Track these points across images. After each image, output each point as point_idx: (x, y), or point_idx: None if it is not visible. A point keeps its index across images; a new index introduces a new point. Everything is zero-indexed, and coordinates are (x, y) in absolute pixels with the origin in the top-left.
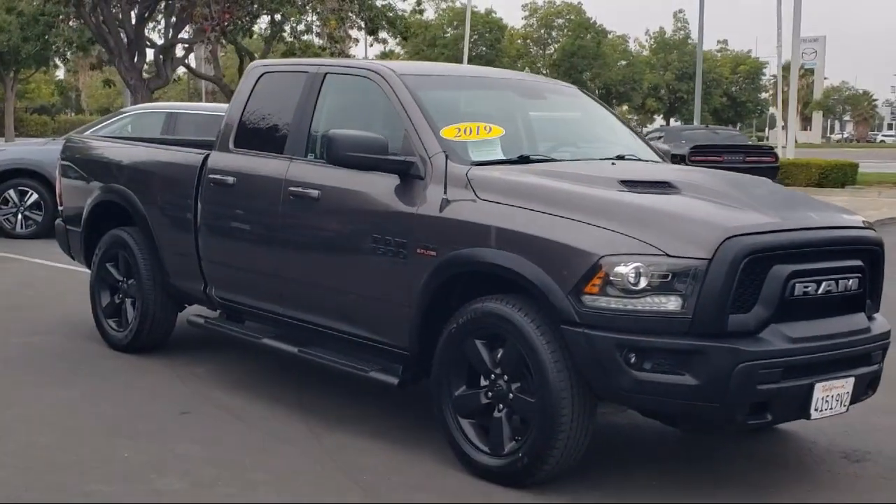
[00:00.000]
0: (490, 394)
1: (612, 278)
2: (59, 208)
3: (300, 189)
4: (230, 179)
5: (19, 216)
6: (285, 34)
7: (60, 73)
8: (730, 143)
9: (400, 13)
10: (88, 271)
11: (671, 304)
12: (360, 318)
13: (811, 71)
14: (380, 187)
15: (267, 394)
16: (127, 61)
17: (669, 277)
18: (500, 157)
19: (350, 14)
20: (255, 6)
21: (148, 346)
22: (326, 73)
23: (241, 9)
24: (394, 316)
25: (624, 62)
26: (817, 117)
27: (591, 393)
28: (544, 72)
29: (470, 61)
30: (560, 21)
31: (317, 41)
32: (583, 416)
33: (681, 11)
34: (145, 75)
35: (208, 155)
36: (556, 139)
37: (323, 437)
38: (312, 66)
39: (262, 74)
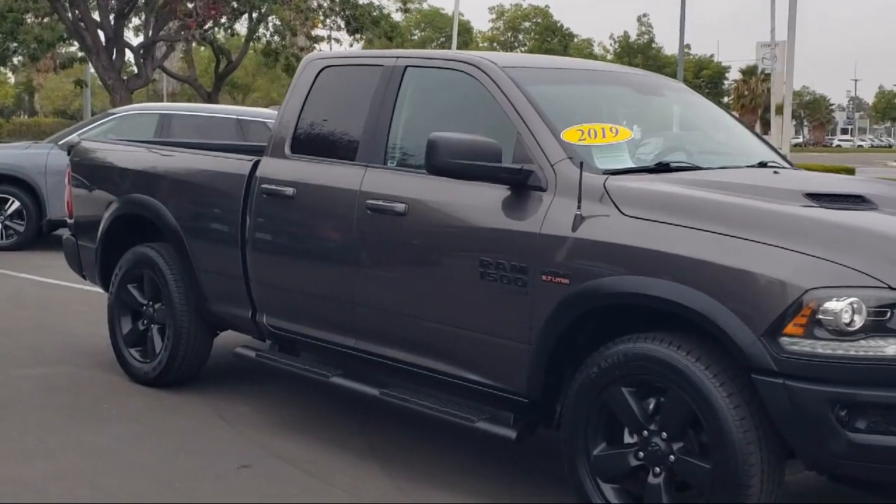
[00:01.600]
0: (642, 454)
1: (820, 317)
2: (69, 221)
3: (380, 202)
4: (289, 190)
5: None
6: (265, 33)
7: (11, 74)
8: None
9: (385, 12)
10: (93, 289)
11: (892, 347)
12: (460, 355)
13: (770, 76)
14: (486, 200)
15: (329, 438)
16: (105, 60)
17: (890, 315)
18: (629, 163)
19: (331, 12)
20: (238, 3)
21: (178, 380)
22: (407, 67)
23: (226, 4)
24: (506, 355)
25: None
26: (777, 121)
27: (783, 455)
28: None
29: None
30: (527, 24)
31: (299, 41)
32: (771, 483)
33: (645, 16)
34: (124, 75)
35: (258, 162)
36: (685, 142)
37: (412, 493)
38: (389, 59)
39: (324, 69)
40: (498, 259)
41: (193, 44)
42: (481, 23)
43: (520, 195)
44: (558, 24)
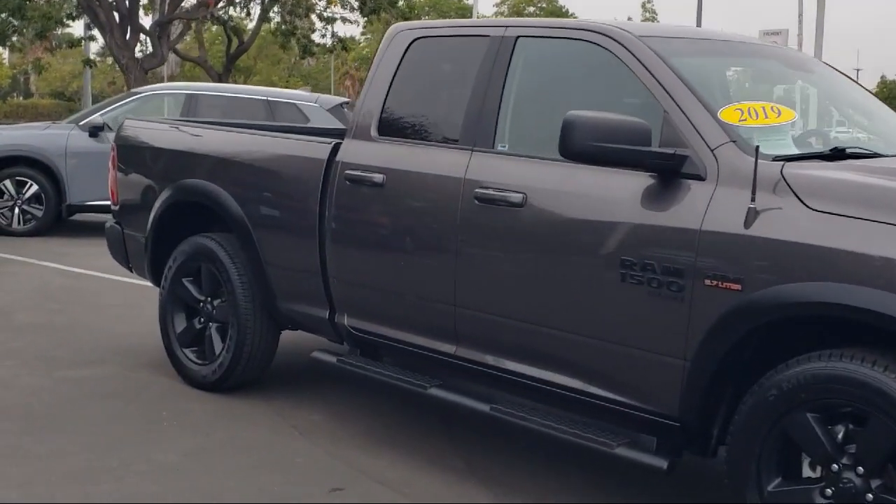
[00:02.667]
0: (830, 492)
1: None
2: (113, 207)
3: (492, 191)
4: (377, 177)
5: (16, 210)
6: (278, 12)
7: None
8: None
9: None
10: (124, 279)
11: None
12: (590, 369)
13: None
14: (624, 190)
15: (421, 455)
16: (119, 38)
17: None
18: (793, 149)
19: None
20: None
21: (240, 384)
22: (518, 38)
23: None
24: (653, 370)
25: None
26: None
27: None
28: None
29: None
30: (532, 9)
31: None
32: None
33: (649, 1)
34: (138, 54)
35: (337, 145)
36: (846, 124)
37: None
38: (496, 28)
39: (415, 40)
40: (644, 259)
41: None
42: (486, 7)
43: (669, 184)
44: (563, 10)
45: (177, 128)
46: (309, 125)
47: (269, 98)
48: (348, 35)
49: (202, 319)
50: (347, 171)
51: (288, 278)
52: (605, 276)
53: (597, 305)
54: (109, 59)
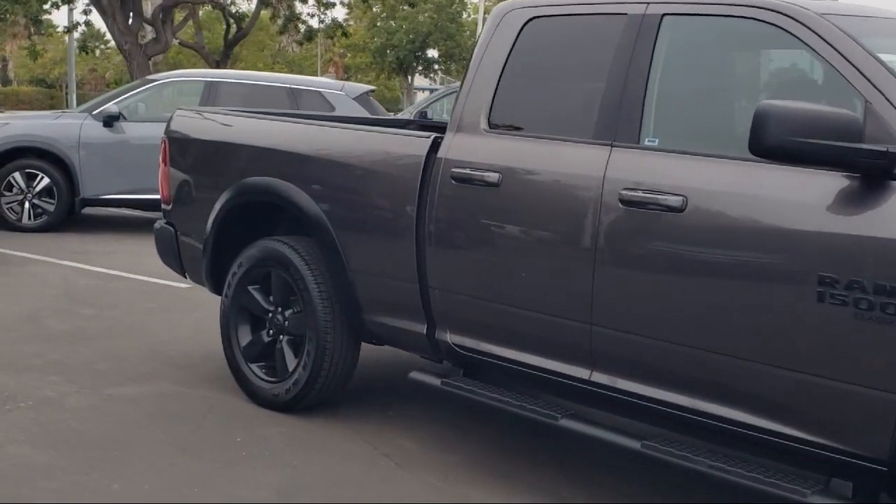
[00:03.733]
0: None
1: None
2: (164, 206)
3: (643, 193)
4: (491, 176)
5: (26, 205)
6: None
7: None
8: None
9: None
10: (155, 280)
11: None
12: (771, 402)
13: None
14: (820, 194)
15: (539, 489)
16: (121, 23)
17: None
18: None
19: None
20: None
21: (315, 404)
22: (664, 16)
23: None
24: (859, 406)
25: None
26: None
27: None
28: None
29: (430, 36)
30: None
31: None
32: None
33: None
34: (141, 40)
35: (437, 139)
36: None
37: None
38: (635, 6)
39: (531, 20)
40: (850, 277)
41: (201, 10)
42: None
43: (876, 187)
44: None
45: (239, 119)
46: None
47: (293, 86)
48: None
49: (271, 331)
50: (454, 170)
51: (377, 288)
52: (796, 296)
53: (784, 329)
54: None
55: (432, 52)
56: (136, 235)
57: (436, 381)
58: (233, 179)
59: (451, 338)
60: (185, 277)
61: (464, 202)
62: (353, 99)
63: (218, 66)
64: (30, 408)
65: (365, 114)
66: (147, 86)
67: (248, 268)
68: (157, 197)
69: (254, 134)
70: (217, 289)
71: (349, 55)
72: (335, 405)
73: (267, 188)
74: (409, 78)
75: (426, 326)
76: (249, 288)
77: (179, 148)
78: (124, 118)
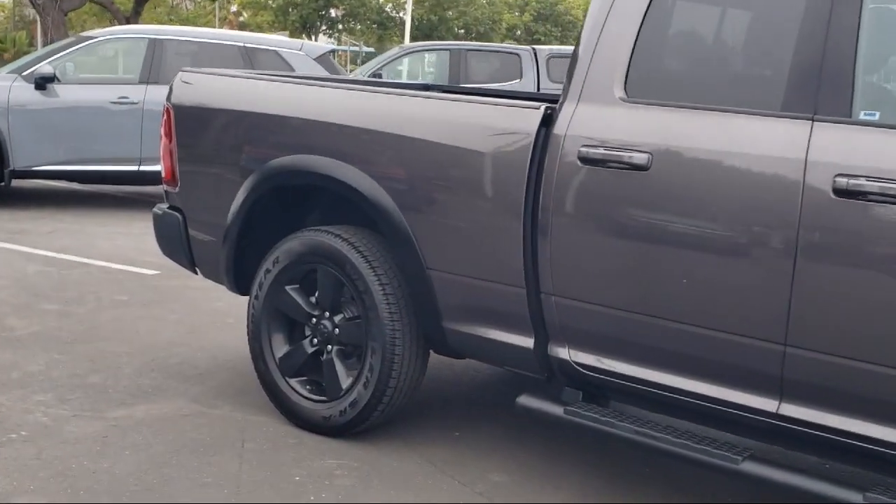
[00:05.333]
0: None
1: None
2: (168, 188)
3: (867, 182)
4: (638, 157)
5: None
6: None
7: None
8: None
9: None
10: (122, 266)
11: None
12: None
13: None
14: None
15: None
16: None
17: None
18: None
19: None
20: None
21: (373, 427)
22: None
23: None
24: None
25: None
26: None
27: None
28: (407, 5)
29: None
30: None
31: None
32: None
33: None
34: None
35: (551, 111)
36: None
37: None
38: None
39: None
40: None
41: None
42: None
43: None
44: None
45: (274, 86)
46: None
47: (246, 44)
48: None
49: (315, 340)
50: (583, 149)
51: (465, 292)
52: None
53: None
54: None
55: (335, 12)
56: (76, 212)
57: (556, 410)
58: (267, 157)
59: (571, 354)
60: (195, 273)
61: (596, 189)
62: (314, 59)
63: (128, 23)
64: (25, 440)
65: (327, 75)
66: (82, 44)
67: (286, 264)
68: (99, 168)
69: (296, 104)
70: (240, 288)
71: (250, 13)
72: (391, 425)
73: (316, 169)
74: (314, 37)
75: (533, 339)
76: (287, 288)
77: (190, 119)
78: (58, 80)
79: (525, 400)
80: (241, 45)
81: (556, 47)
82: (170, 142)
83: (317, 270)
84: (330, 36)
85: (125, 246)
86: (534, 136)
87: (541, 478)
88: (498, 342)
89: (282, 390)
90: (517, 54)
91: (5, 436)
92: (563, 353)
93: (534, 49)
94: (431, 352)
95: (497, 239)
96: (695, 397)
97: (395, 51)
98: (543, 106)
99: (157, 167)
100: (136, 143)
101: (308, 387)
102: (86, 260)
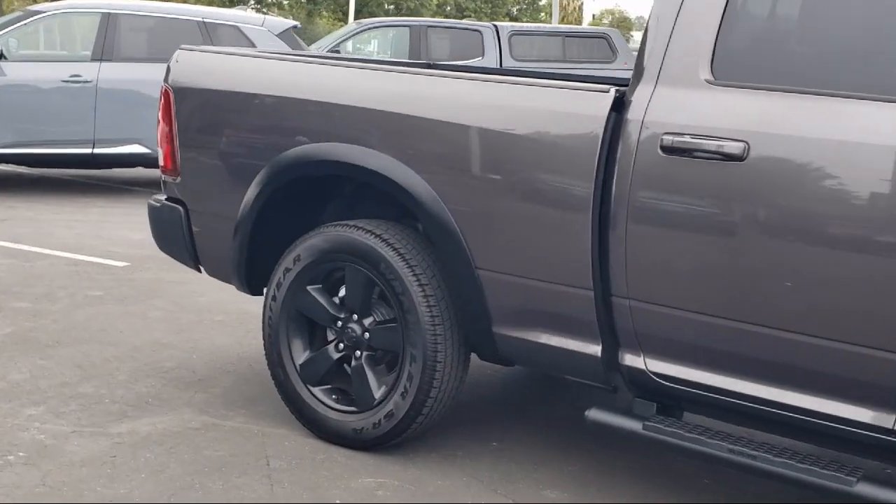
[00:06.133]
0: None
1: None
2: (167, 178)
3: None
4: (731, 146)
5: None
6: None
7: None
8: None
9: None
10: (78, 255)
11: None
12: None
13: None
14: None
15: None
16: None
17: None
18: None
19: None
20: None
21: (408, 440)
22: None
23: None
24: None
25: None
26: None
27: None
28: None
29: None
30: None
31: None
32: None
33: None
34: None
35: (622, 95)
36: None
37: None
38: None
39: None
40: None
41: None
42: None
43: None
44: None
45: (292, 65)
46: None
47: (206, 19)
48: None
49: (342, 345)
50: (666, 137)
51: (520, 293)
52: None
53: None
54: None
55: None
56: (28, 198)
57: (633, 426)
58: (286, 145)
59: (648, 363)
60: (199, 271)
61: (682, 181)
62: (277, 35)
63: None
64: (26, 463)
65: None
66: (30, 19)
67: (308, 262)
68: (50, 151)
69: (321, 86)
70: (251, 287)
71: None
72: (420, 436)
73: (344, 159)
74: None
75: (601, 347)
76: (310, 288)
77: (193, 102)
78: (4, 58)
79: (596, 414)
80: (200, 20)
81: (517, 24)
82: (169, 127)
83: (341, 269)
84: (258, 11)
85: (86, 234)
86: (604, 122)
87: (598, 493)
88: (558, 349)
89: (304, 400)
90: (479, 31)
91: (2, 458)
92: (637, 361)
93: (496, 26)
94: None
95: (560, 236)
96: (793, 411)
97: (351, 27)
98: (613, 89)
99: (112, 149)
100: (89, 124)
101: (334, 396)
102: (47, 251)
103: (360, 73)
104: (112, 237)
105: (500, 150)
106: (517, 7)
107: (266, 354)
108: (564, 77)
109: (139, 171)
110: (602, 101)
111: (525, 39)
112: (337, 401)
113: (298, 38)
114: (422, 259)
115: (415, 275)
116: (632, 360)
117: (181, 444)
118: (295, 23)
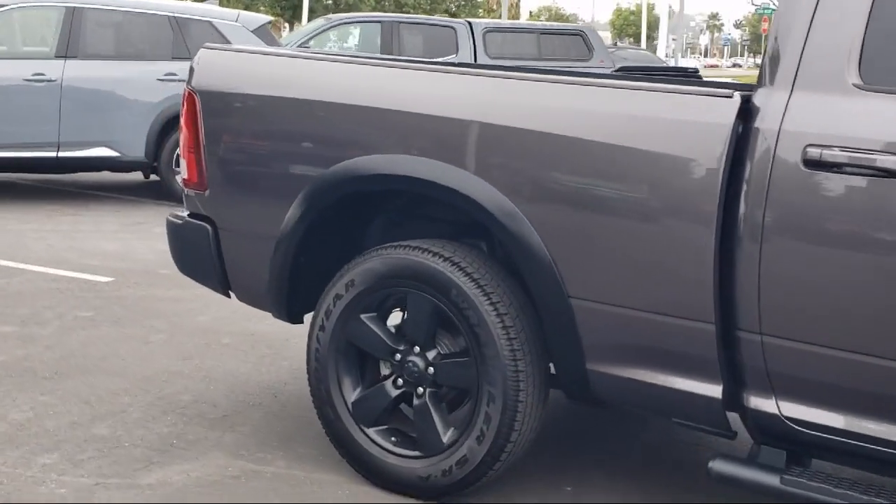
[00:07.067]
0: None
1: None
2: (191, 192)
3: None
4: (888, 160)
5: None
6: None
7: None
8: (648, 63)
9: None
10: (46, 268)
11: None
12: None
13: None
14: None
15: None
16: None
17: None
18: None
19: None
20: None
21: (482, 488)
22: None
23: None
24: None
25: None
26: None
27: None
28: None
29: None
30: None
31: None
32: None
33: None
34: None
35: (749, 99)
36: None
37: None
38: None
39: None
40: None
41: None
42: None
43: None
44: None
45: (342, 66)
46: None
47: (177, 14)
48: None
49: (400, 381)
50: (810, 149)
51: (623, 326)
52: None
53: None
54: None
55: None
56: None
57: (770, 480)
58: (338, 157)
59: (781, 407)
60: (227, 296)
61: (828, 199)
62: (252, 31)
63: None
64: None
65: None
66: None
67: (363, 288)
68: (12, 155)
69: (380, 90)
70: (292, 315)
71: None
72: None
73: (410, 173)
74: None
75: (722, 388)
76: (363, 317)
77: (224, 107)
78: None
79: (722, 466)
80: (172, 15)
81: (491, 21)
82: (194, 136)
83: (408, 297)
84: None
85: (59, 246)
86: (729, 131)
87: None
88: (666, 389)
89: (358, 443)
90: (452, 28)
91: None
92: (767, 404)
93: (469, 23)
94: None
95: (674, 261)
96: None
97: (320, 23)
98: (737, 94)
99: (78, 153)
100: (53, 125)
101: (393, 438)
102: (21, 265)
103: (427, 77)
104: (88, 249)
105: (603, 163)
106: (455, 3)
107: (312, 391)
108: (675, 81)
109: (106, 176)
110: (726, 108)
111: (499, 36)
112: (396, 444)
113: (274, 35)
114: (497, 285)
115: (492, 303)
116: (760, 402)
117: (224, 495)
118: (270, 18)
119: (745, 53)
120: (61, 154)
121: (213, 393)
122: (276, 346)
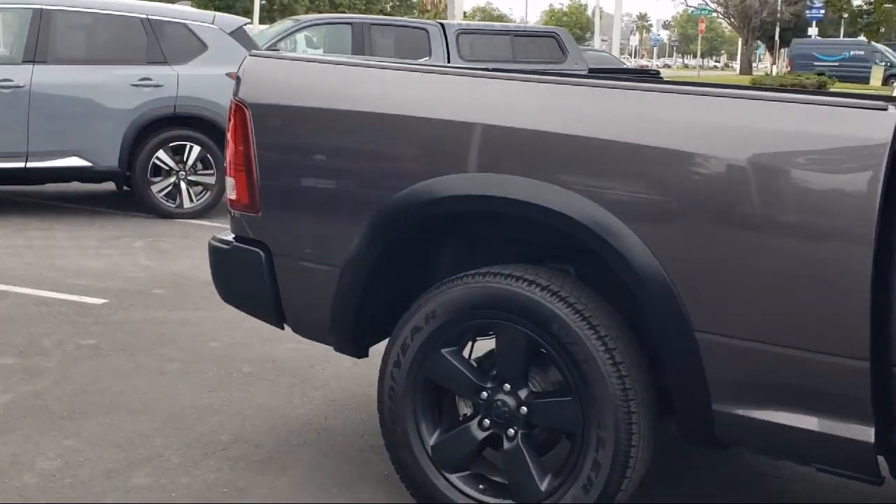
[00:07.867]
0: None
1: None
2: (237, 213)
3: None
4: None
5: None
6: None
7: None
8: (610, 65)
9: None
10: (53, 293)
11: None
12: None
13: None
14: None
15: None
16: None
17: None
18: None
19: None
20: None
21: None
22: None
23: None
24: None
25: None
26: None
27: None
28: None
29: None
30: None
31: None
32: None
33: None
34: None
35: None
36: None
37: None
38: None
39: None
40: None
41: None
42: None
43: None
44: None
45: (419, 75)
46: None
47: (150, 16)
48: None
49: (488, 422)
50: None
51: (758, 363)
52: None
53: None
54: None
55: None
56: None
57: None
58: (417, 175)
59: None
60: (282, 328)
61: None
62: (229, 34)
63: None
64: None
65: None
66: None
67: (445, 320)
68: None
69: (467, 104)
70: (358, 349)
71: None
72: None
73: (511, 195)
74: None
75: (874, 430)
76: (444, 352)
77: (280, 121)
78: None
79: None
80: (145, 17)
81: (464, 22)
82: (245, 151)
83: (498, 330)
84: None
85: (38, 264)
86: (888, 148)
87: None
88: (807, 433)
89: (439, 490)
90: (425, 29)
91: None
92: None
93: (442, 24)
94: None
95: (821, 292)
96: None
97: (288, 24)
98: (892, 107)
99: (47, 163)
100: (21, 134)
101: (481, 486)
102: (3, 286)
103: (522, 88)
104: (69, 267)
105: (738, 185)
106: (390, 4)
107: (385, 433)
108: (816, 92)
109: (76, 186)
110: (881, 122)
111: (472, 38)
112: (484, 491)
113: (252, 37)
114: (603, 317)
115: (599, 337)
116: None
117: None
118: (247, 20)
119: (674, 54)
120: (30, 164)
121: (252, 431)
122: (302, 374)
